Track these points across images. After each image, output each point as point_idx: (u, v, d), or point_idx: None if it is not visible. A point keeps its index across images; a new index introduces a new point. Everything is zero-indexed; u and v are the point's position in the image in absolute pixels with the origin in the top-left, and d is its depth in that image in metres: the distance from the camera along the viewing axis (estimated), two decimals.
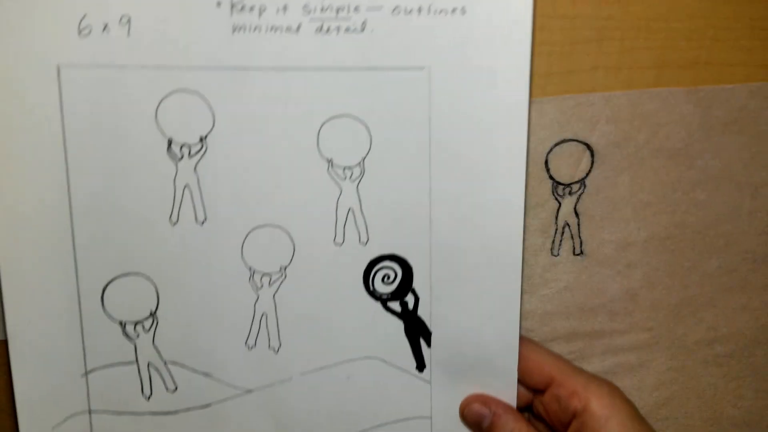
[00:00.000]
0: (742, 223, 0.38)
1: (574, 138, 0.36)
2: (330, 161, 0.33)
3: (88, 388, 0.34)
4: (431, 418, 0.36)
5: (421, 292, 0.35)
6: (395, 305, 0.35)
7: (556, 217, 0.37)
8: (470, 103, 0.32)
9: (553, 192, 0.37)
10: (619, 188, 0.37)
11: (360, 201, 0.34)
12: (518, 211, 0.33)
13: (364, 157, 0.33)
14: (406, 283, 0.34)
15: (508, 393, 0.35)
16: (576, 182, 0.37)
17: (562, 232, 0.37)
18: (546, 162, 0.36)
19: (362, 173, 0.33)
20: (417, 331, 0.35)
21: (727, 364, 0.40)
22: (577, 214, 0.37)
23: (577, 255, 0.38)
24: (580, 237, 0.37)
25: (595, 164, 0.37)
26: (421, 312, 0.35)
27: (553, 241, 0.37)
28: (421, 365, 0.35)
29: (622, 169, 0.37)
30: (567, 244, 0.37)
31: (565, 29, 0.35)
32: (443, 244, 0.34)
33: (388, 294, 0.35)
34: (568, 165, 0.36)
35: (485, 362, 0.35)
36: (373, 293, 0.34)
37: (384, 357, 0.35)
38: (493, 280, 0.34)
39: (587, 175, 0.37)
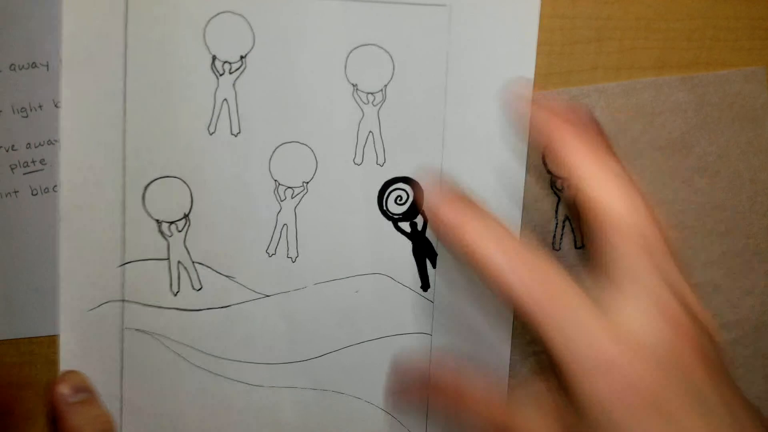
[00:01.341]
0: (743, 208, 0.38)
1: None
2: (355, 86, 0.36)
3: (123, 278, 0.37)
4: (431, 334, 0.38)
5: None
6: (405, 226, 0.38)
7: (556, 211, 0.38)
8: (485, 39, 0.36)
9: (551, 186, 0.37)
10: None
11: (380, 124, 0.37)
12: (522, 145, 0.36)
13: (387, 85, 0.37)
14: (417, 205, 0.37)
15: (505, 318, 0.37)
16: None
17: (563, 226, 0.38)
18: (543, 156, 0.37)
19: (384, 99, 0.37)
20: (424, 251, 0.38)
21: (734, 350, 0.40)
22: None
23: (579, 248, 0.38)
24: (581, 230, 0.36)
25: None
26: (429, 234, 0.38)
27: (554, 236, 0.38)
28: (425, 285, 0.38)
29: (619, 159, 0.37)
30: (568, 238, 0.38)
31: (565, 29, 0.36)
32: (454, 170, 0.37)
33: (399, 214, 0.38)
34: None
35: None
36: (385, 212, 0.38)
37: (391, 274, 0.38)
38: (495, 207, 0.37)
39: None
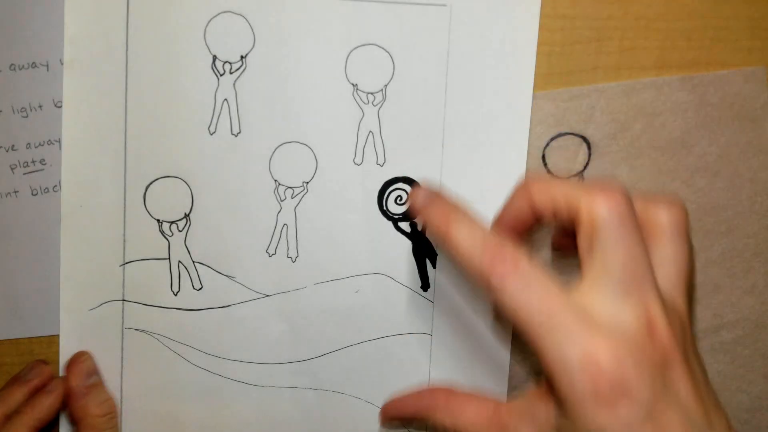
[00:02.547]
0: (743, 207, 0.39)
1: (570, 131, 0.37)
2: (355, 86, 0.37)
3: (124, 277, 0.37)
4: (431, 334, 0.38)
5: None
6: (405, 226, 0.38)
7: None
8: (485, 39, 0.36)
9: None
10: (617, 179, 0.37)
11: (380, 125, 0.37)
12: (521, 145, 0.37)
13: (387, 85, 0.37)
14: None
15: (503, 321, 0.37)
16: (574, 175, 0.37)
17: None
18: (543, 157, 0.37)
19: (384, 99, 0.37)
20: (424, 252, 0.38)
21: (734, 350, 0.40)
22: None
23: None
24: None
25: (592, 156, 0.37)
26: (429, 234, 0.38)
27: (554, 236, 0.38)
28: (425, 285, 0.38)
29: (620, 160, 0.37)
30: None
31: (565, 29, 0.36)
32: (453, 170, 0.37)
33: (399, 214, 0.38)
34: (566, 159, 0.37)
35: None
36: (386, 213, 0.38)
37: (391, 274, 0.38)
38: (495, 207, 0.37)
39: (585, 167, 0.37)
